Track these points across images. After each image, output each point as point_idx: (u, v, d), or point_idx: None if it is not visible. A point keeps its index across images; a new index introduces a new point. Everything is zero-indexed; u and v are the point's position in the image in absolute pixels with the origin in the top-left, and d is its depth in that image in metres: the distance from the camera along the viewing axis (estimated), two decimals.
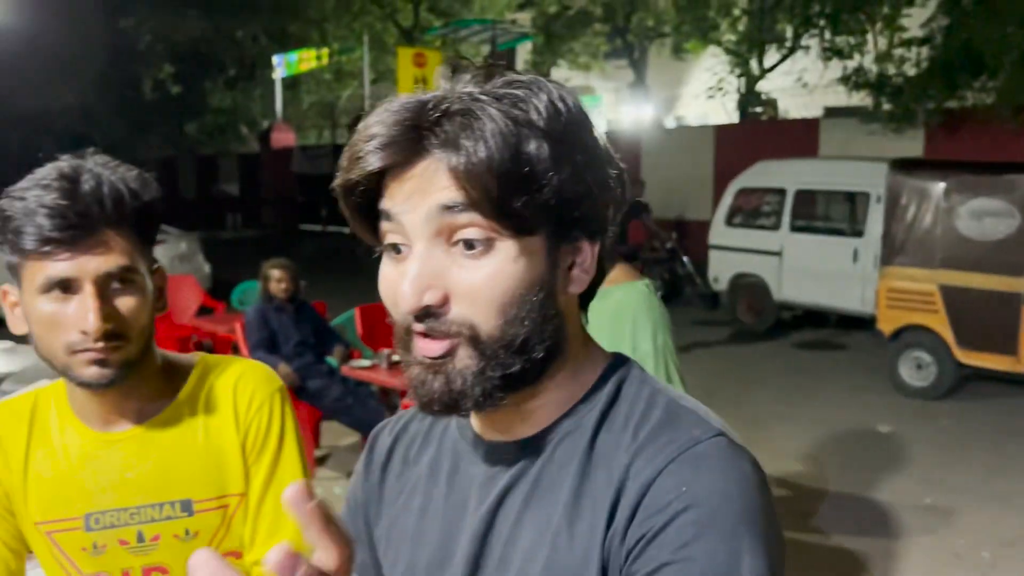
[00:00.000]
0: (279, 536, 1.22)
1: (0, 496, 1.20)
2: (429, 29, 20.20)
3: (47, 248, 1.06)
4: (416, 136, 0.69)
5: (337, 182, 0.73)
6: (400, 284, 0.71)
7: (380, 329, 6.02)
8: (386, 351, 5.27)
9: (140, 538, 1.19)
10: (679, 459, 0.69)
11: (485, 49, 19.10)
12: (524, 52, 20.62)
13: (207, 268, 11.09)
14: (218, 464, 1.22)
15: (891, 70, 12.61)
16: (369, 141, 0.69)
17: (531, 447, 0.76)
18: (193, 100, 24.57)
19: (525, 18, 21.15)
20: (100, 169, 1.11)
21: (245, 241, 20.29)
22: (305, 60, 21.92)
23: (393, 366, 5.17)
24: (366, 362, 5.35)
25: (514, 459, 0.77)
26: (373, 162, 0.69)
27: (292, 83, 24.37)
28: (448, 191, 0.68)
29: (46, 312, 1.09)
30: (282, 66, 22.19)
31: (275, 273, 5.30)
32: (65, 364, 1.11)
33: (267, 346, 5.16)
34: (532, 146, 0.69)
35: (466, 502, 0.79)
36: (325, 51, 21.72)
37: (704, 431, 0.71)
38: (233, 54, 23.89)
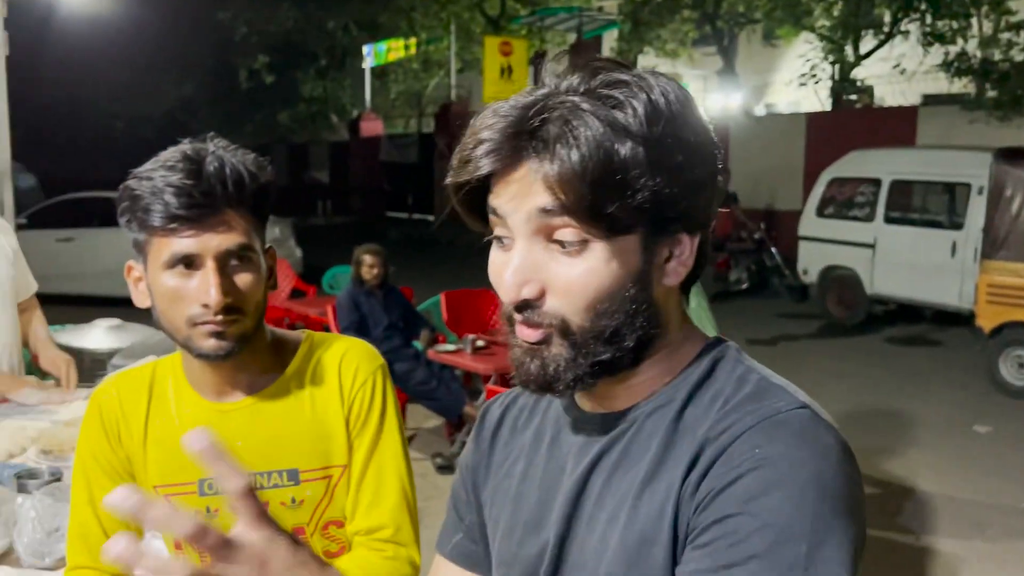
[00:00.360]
0: (380, 507, 1.28)
1: (122, 459, 1.28)
2: (515, 18, 20.23)
3: (173, 225, 1.13)
4: (518, 143, 0.73)
5: (449, 181, 0.78)
6: (503, 273, 0.77)
7: (465, 315, 6.11)
8: (470, 336, 5.35)
9: None
10: (758, 426, 0.72)
11: (571, 37, 19.03)
12: (610, 40, 20.45)
13: (299, 253, 11.43)
14: (323, 436, 1.28)
15: (997, 55, 12.03)
16: (478, 146, 0.74)
17: (624, 419, 0.81)
18: (286, 89, 25.28)
19: (612, 5, 20.95)
20: (221, 152, 1.18)
21: (334, 227, 20.78)
22: (394, 49, 22.28)
23: (477, 351, 5.25)
24: (451, 346, 5.44)
25: (608, 429, 0.82)
26: (482, 167, 0.74)
27: (381, 72, 24.80)
28: (544, 195, 0.73)
29: (170, 286, 1.16)
30: (371, 56, 22.61)
31: (367, 259, 5.45)
32: (186, 336, 1.18)
33: (357, 329, 5.30)
34: (627, 151, 0.72)
35: (563, 467, 0.85)
36: (413, 40, 22.02)
37: (788, 403, 0.73)
38: (324, 44, 24.47)
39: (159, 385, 1.30)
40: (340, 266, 7.87)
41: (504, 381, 5.15)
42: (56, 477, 1.78)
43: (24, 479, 1.74)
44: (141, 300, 1.23)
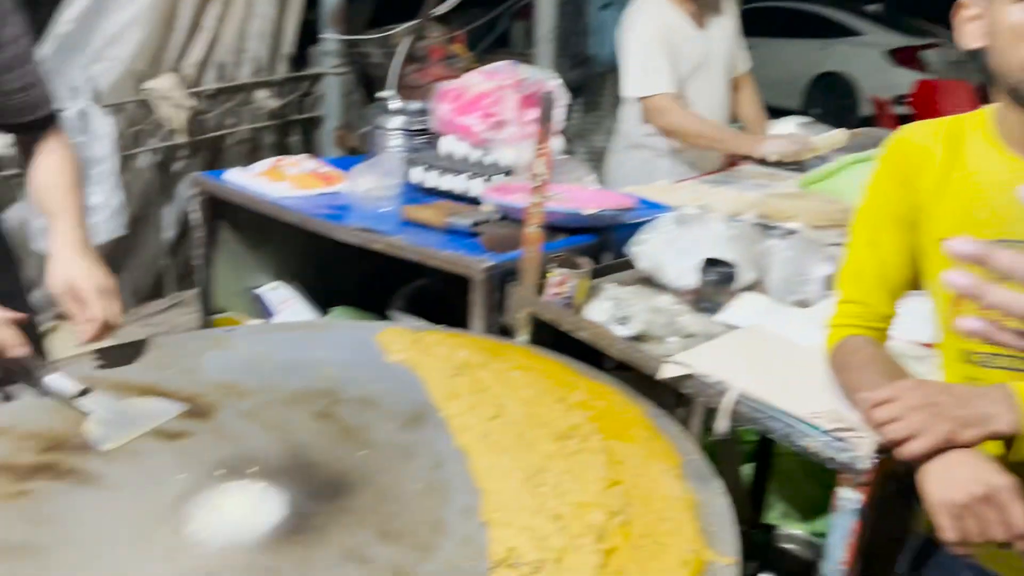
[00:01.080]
0: None
1: (909, 207, 1.23)
2: None
3: None
4: None
5: None
6: None
7: None
8: None
9: None
10: None
11: None
12: None
13: None
14: None
15: None
16: None
17: None
18: None
19: None
20: None
21: None
22: None
23: None
24: None
25: None
26: None
27: None
28: None
29: (1015, 21, 1.06)
30: None
31: None
32: (1019, 80, 1.08)
33: None
34: None
35: None
36: None
37: None
38: None
39: (964, 138, 1.22)
40: None
41: None
42: (791, 231, 1.89)
43: (764, 227, 1.90)
44: (969, 40, 1.14)
